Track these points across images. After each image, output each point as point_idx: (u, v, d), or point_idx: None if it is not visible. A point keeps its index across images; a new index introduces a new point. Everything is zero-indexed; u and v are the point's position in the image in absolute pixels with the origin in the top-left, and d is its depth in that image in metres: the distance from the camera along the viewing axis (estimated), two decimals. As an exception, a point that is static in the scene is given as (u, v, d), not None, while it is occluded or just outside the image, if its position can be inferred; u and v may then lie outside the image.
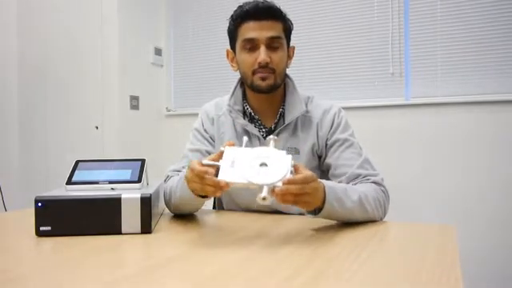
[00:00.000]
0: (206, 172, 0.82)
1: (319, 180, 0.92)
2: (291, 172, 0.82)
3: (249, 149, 0.85)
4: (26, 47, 3.09)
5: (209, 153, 1.24)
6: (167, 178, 1.20)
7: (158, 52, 3.10)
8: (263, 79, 1.14)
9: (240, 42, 1.16)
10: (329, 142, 1.19)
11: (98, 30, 2.84)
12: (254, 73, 1.14)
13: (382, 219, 1.07)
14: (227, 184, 0.80)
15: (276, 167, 0.81)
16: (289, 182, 0.79)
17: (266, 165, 0.81)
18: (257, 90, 1.16)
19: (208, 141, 1.26)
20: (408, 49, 2.43)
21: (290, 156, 0.83)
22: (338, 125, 1.20)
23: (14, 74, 3.11)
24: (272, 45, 1.13)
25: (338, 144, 1.18)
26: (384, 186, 1.11)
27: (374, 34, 2.51)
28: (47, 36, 3.01)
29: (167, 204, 1.14)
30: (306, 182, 0.82)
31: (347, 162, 1.15)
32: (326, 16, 2.63)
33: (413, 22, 2.41)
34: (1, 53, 3.04)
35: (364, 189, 1.04)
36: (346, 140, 1.18)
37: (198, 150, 1.24)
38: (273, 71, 1.14)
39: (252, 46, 1.14)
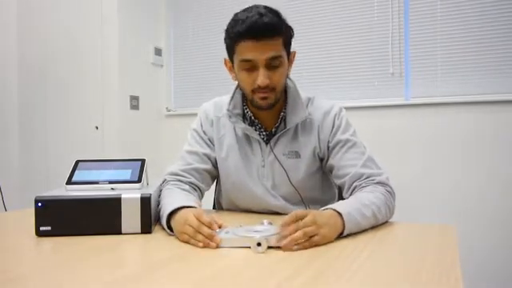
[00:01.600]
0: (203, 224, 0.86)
1: (331, 206, 0.93)
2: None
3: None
4: (26, 47, 3.09)
5: (206, 155, 1.22)
6: (164, 181, 1.18)
7: (158, 52, 3.10)
8: (263, 98, 1.11)
9: (238, 62, 1.11)
10: (330, 144, 1.18)
11: (98, 30, 2.84)
12: (253, 92, 1.11)
13: (392, 215, 1.07)
14: (220, 241, 0.83)
15: (268, 229, 0.86)
16: (282, 229, 0.82)
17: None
18: (257, 107, 1.15)
19: (206, 143, 1.24)
20: (408, 49, 2.43)
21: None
22: (339, 126, 1.18)
23: (14, 74, 3.11)
24: (271, 64, 1.09)
25: (340, 145, 1.16)
26: (389, 186, 1.10)
27: (374, 34, 2.51)
28: (47, 36, 3.01)
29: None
30: (296, 218, 0.84)
31: (350, 162, 1.13)
32: (326, 16, 2.63)
33: (413, 22, 2.41)
34: (1, 53, 3.04)
35: (374, 198, 1.01)
36: (347, 140, 1.16)
37: (195, 153, 1.22)
38: (273, 90, 1.11)
39: (250, 66, 1.09)
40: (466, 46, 2.30)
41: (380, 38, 2.49)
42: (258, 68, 1.07)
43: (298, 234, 0.81)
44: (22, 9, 3.09)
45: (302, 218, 0.84)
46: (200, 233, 0.85)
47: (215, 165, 1.24)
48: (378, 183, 1.09)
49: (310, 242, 0.82)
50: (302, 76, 2.64)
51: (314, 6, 2.65)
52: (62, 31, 2.97)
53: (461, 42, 2.30)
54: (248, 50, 1.06)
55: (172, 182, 1.16)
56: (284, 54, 1.11)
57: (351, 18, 2.56)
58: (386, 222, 1.05)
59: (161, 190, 1.13)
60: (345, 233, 0.89)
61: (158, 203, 1.07)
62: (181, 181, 1.17)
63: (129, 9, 2.87)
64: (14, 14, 3.10)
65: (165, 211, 0.97)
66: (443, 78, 2.35)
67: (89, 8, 2.87)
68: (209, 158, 1.23)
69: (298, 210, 0.86)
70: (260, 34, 1.04)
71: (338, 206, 0.94)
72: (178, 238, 0.90)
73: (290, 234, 0.81)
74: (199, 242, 0.84)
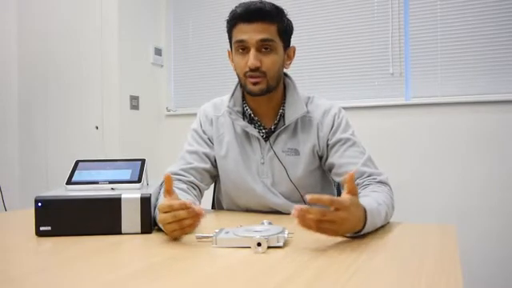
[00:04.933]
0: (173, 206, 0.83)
1: (361, 203, 0.86)
2: (287, 234, 0.84)
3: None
4: (26, 47, 3.09)
5: (206, 155, 1.23)
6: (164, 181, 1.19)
7: (158, 52, 3.10)
8: (255, 84, 1.13)
9: (233, 44, 1.16)
10: (330, 143, 1.19)
11: (98, 29, 2.84)
12: (245, 76, 1.14)
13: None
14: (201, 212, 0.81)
15: (268, 229, 0.85)
16: (314, 200, 0.78)
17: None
18: (249, 93, 1.16)
19: (206, 142, 1.25)
20: (408, 49, 2.43)
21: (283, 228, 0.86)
22: (339, 125, 1.20)
23: (14, 74, 3.11)
24: (263, 48, 1.12)
25: (340, 143, 1.17)
26: (389, 185, 1.12)
27: (374, 34, 2.51)
28: (47, 36, 3.02)
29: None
30: (332, 204, 0.79)
31: (351, 160, 1.14)
32: (326, 16, 2.63)
33: (413, 22, 2.41)
34: (1, 53, 3.04)
35: (384, 198, 1.01)
36: (348, 139, 1.18)
37: (195, 152, 1.23)
38: (264, 75, 1.12)
39: (243, 48, 1.13)
40: (465, 46, 2.30)
41: (380, 38, 2.49)
42: (250, 50, 1.11)
43: (317, 211, 0.77)
44: (22, 9, 3.09)
45: (337, 208, 0.79)
46: (179, 219, 0.83)
47: (215, 164, 1.25)
48: (379, 182, 1.10)
49: (317, 227, 0.79)
50: (303, 76, 2.64)
51: (314, 6, 2.65)
52: (62, 31, 2.97)
53: (461, 41, 2.31)
54: (241, 31, 1.12)
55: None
56: (278, 41, 1.14)
57: (351, 18, 2.56)
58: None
59: (160, 190, 1.14)
60: (363, 232, 0.87)
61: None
62: (180, 180, 1.18)
63: (129, 9, 2.87)
64: (14, 14, 3.10)
65: (157, 209, 0.98)
66: (443, 77, 2.35)
67: (89, 8, 2.87)
68: (208, 158, 1.24)
69: (341, 199, 0.81)
70: (252, 17, 1.10)
71: (366, 205, 0.89)
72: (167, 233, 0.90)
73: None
74: (184, 224, 0.83)
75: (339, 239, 0.87)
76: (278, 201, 1.20)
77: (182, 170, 1.20)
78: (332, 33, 2.61)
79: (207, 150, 1.24)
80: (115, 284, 0.63)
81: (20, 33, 3.11)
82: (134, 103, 2.90)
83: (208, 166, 1.23)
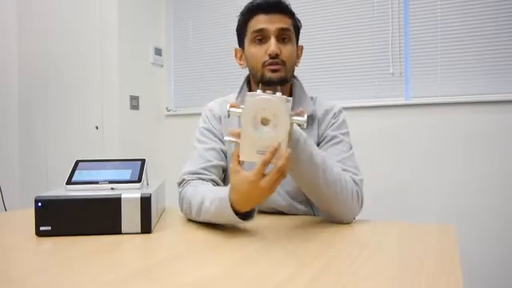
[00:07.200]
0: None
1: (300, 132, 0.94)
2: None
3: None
4: (26, 47, 3.09)
5: (223, 151, 1.21)
6: (183, 181, 1.13)
7: (158, 52, 3.10)
8: (274, 71, 1.12)
9: (249, 35, 1.15)
10: (321, 139, 1.20)
11: (98, 30, 2.84)
12: (264, 65, 1.12)
13: (353, 217, 1.05)
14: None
15: (277, 119, 0.82)
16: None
17: (267, 120, 0.82)
18: (267, 82, 1.13)
19: (219, 138, 1.23)
20: (408, 49, 2.43)
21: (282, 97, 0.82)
22: (334, 123, 1.20)
23: (14, 74, 3.11)
24: (282, 37, 1.13)
25: (326, 140, 1.18)
26: (360, 188, 1.07)
27: (374, 34, 2.51)
28: (47, 36, 3.02)
29: (187, 214, 1.07)
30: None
31: (330, 156, 1.12)
32: (326, 16, 2.63)
33: (413, 22, 2.42)
34: (1, 53, 3.04)
35: (339, 170, 1.04)
36: (334, 136, 1.17)
37: (213, 149, 1.20)
38: (283, 64, 1.12)
39: (262, 37, 1.13)
40: (466, 45, 2.30)
41: (380, 37, 2.49)
42: (269, 39, 1.12)
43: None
44: (22, 9, 3.09)
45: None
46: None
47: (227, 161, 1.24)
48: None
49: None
50: (304, 76, 2.63)
51: (314, 6, 2.65)
52: (62, 31, 2.97)
53: (461, 41, 2.31)
54: (260, 21, 1.13)
55: (193, 182, 1.12)
56: (293, 33, 1.16)
57: (351, 18, 2.56)
58: (352, 216, 1.04)
59: (181, 192, 1.10)
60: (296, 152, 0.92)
61: (196, 210, 1.02)
62: (202, 179, 1.13)
63: (129, 9, 2.87)
64: (14, 14, 3.10)
65: (219, 200, 0.93)
66: (443, 77, 2.35)
67: (89, 8, 2.87)
68: (225, 154, 1.22)
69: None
70: (272, 8, 1.12)
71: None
72: (260, 197, 0.87)
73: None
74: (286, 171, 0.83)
75: (339, 238, 0.87)
76: (283, 202, 1.20)
77: (203, 168, 1.15)
78: (332, 33, 2.61)
79: (222, 146, 1.22)
80: (115, 284, 0.63)
81: (20, 33, 3.11)
82: (134, 103, 2.90)
83: (225, 163, 1.21)
